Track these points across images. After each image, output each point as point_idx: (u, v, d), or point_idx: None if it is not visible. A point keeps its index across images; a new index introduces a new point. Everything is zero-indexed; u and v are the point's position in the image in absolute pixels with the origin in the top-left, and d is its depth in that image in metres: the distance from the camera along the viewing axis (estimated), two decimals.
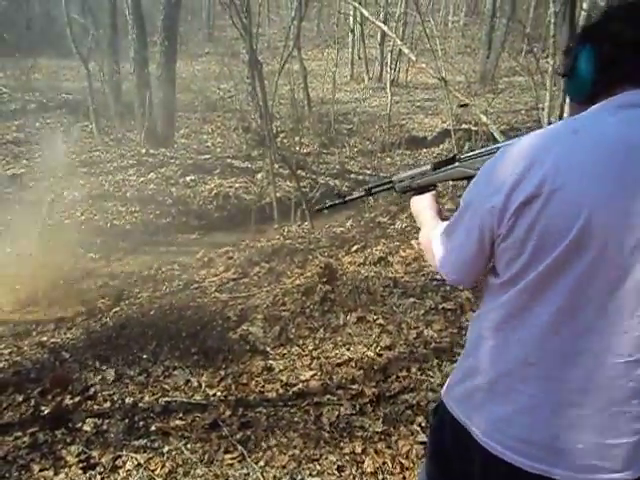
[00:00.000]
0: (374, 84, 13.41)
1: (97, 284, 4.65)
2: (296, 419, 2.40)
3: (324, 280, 3.68)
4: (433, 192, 1.34)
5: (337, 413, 2.41)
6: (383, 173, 8.03)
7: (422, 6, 11.27)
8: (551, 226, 0.86)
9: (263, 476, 2.08)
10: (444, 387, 1.15)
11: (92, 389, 2.74)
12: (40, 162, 7.49)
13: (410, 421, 2.33)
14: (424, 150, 9.29)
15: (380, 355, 2.85)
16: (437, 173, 1.31)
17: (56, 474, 2.16)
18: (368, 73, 13.75)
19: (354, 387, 2.59)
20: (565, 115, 3.69)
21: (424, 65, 6.15)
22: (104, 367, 2.97)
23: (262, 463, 2.15)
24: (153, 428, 2.40)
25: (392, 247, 4.28)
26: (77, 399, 2.65)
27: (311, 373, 2.74)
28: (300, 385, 2.66)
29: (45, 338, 3.58)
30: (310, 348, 2.98)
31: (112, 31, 9.12)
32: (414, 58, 6.32)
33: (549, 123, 4.44)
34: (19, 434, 2.40)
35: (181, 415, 2.48)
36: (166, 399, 2.61)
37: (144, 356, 3.06)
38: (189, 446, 2.26)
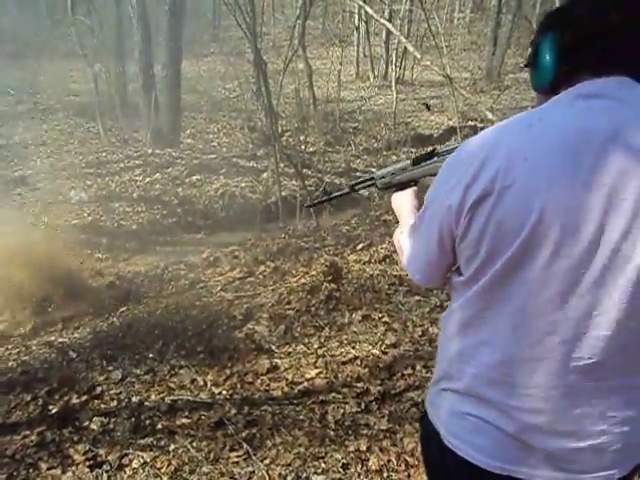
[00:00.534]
0: (379, 82, 13.36)
1: (104, 284, 4.67)
2: (301, 417, 2.41)
3: (329, 278, 3.68)
4: (414, 188, 1.30)
5: (342, 411, 2.41)
6: None
7: (427, 3, 11.24)
8: (504, 224, 0.83)
9: (268, 474, 2.09)
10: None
11: (99, 388, 2.76)
12: (47, 163, 7.54)
13: (415, 419, 2.33)
14: (430, 148, 9.25)
15: (385, 353, 2.85)
16: (417, 168, 1.29)
17: (64, 472, 2.18)
18: (373, 71, 13.71)
19: (359, 385, 2.59)
20: None
21: (429, 63, 6.13)
22: (111, 366, 2.98)
23: (267, 461, 2.16)
24: (159, 426, 2.41)
25: None
26: (84, 398, 2.66)
27: (316, 371, 2.74)
28: (305, 383, 2.66)
29: (53, 338, 3.61)
30: (315, 346, 2.98)
31: (117, 32, 9.17)
32: (419, 56, 6.28)
33: None
34: (27, 433, 2.42)
35: (187, 413, 2.49)
36: (172, 398, 2.63)
37: (150, 355, 3.08)
38: (195, 444, 2.27)
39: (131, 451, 2.26)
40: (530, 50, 0.97)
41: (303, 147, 7.71)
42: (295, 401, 2.53)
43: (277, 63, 9.34)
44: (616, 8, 0.84)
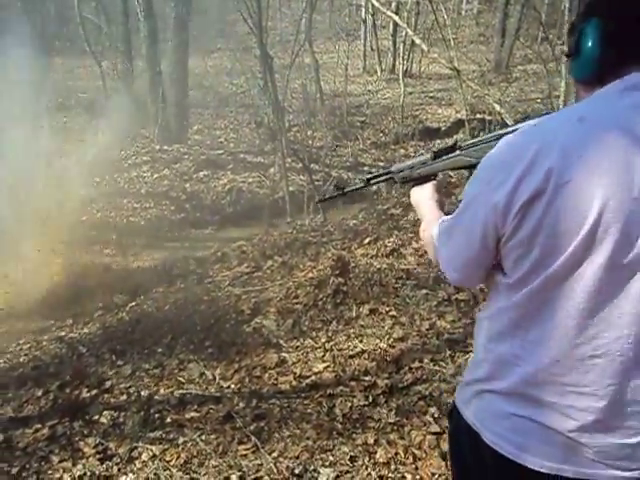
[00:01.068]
0: (387, 76, 13.28)
1: (113, 280, 4.71)
2: (309, 410, 2.42)
3: (337, 273, 3.68)
4: (434, 182, 1.28)
5: (350, 404, 2.42)
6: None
7: None
8: (561, 222, 0.81)
9: (276, 467, 2.10)
10: (457, 389, 1.11)
11: (108, 382, 2.79)
12: (56, 161, 7.58)
13: (423, 412, 2.33)
14: (438, 141, 9.19)
15: (393, 347, 2.85)
16: (438, 162, 1.26)
17: (74, 465, 2.21)
18: (381, 65, 13.63)
19: (367, 379, 2.60)
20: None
21: (436, 55, 6.10)
22: (120, 361, 3.02)
23: (275, 454, 2.17)
24: (168, 420, 2.43)
25: (404, 239, 4.26)
26: (94, 392, 2.70)
27: (324, 365, 2.75)
28: (313, 377, 2.67)
29: (63, 333, 3.65)
30: (323, 340, 2.99)
31: (124, 29, 9.19)
32: (426, 48, 6.26)
33: None
34: (39, 426, 2.46)
35: (196, 407, 2.51)
36: (181, 391, 2.65)
37: (159, 350, 3.10)
38: (204, 437, 2.29)
39: (141, 444, 2.29)
40: (571, 38, 0.92)
41: (310, 142, 7.71)
42: (303, 394, 2.54)
43: (284, 58, 9.33)
44: None
